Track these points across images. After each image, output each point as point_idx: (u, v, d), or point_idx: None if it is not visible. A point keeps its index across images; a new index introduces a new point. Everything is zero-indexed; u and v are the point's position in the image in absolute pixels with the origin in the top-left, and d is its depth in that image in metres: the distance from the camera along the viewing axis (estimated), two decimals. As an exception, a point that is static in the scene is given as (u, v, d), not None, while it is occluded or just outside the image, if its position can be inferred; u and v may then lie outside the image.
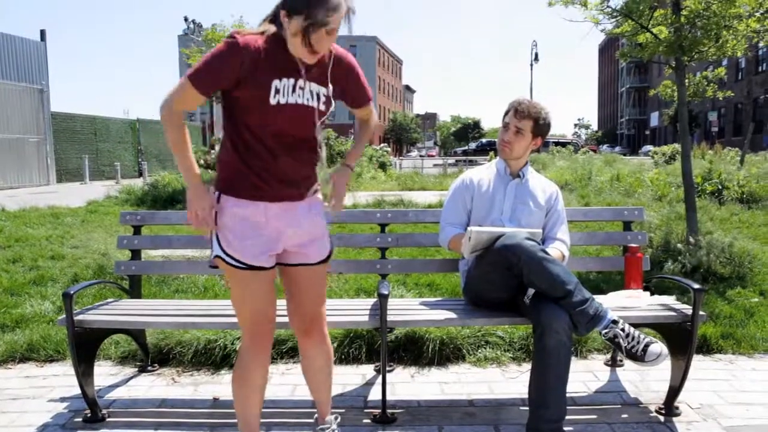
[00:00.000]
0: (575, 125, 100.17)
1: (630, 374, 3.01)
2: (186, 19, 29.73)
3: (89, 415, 2.53)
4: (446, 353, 3.18)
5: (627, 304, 2.56)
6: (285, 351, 3.21)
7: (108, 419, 2.55)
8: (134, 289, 3.04)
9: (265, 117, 1.82)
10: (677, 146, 17.08)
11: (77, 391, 2.53)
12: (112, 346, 3.28)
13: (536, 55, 32.94)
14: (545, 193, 2.78)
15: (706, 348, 3.28)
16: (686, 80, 5.29)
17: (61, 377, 3.01)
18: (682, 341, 2.46)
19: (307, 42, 1.74)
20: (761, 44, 5.83)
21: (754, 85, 32.98)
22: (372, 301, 2.84)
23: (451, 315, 2.52)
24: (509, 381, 2.94)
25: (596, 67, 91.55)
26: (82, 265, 5.01)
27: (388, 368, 2.92)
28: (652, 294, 2.75)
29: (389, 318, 2.46)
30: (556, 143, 31.83)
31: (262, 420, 2.48)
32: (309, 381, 2.18)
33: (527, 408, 2.26)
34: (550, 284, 2.22)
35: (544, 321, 2.19)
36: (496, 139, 2.81)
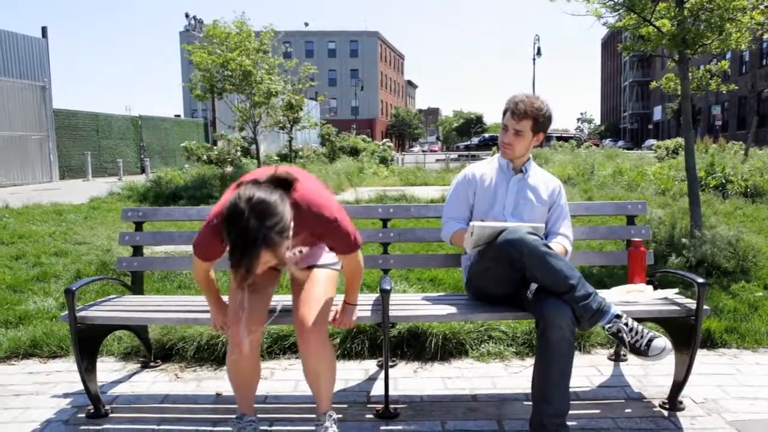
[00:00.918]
0: (578, 120, 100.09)
1: (633, 369, 3.00)
2: (187, 16, 29.68)
3: (92, 410, 2.54)
4: (449, 348, 3.17)
5: (630, 299, 2.55)
6: (287, 347, 3.21)
7: (111, 415, 2.55)
8: (136, 285, 3.04)
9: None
10: (680, 140, 17.03)
11: (80, 387, 2.53)
12: (114, 342, 3.28)
13: (539, 49, 32.70)
14: (548, 187, 2.75)
15: (710, 342, 3.26)
16: (689, 74, 5.26)
17: (64, 373, 3.01)
18: (686, 335, 2.45)
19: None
20: (765, 37, 5.79)
21: (759, 78, 32.78)
22: (374, 296, 2.83)
23: (454, 310, 2.52)
24: (512, 376, 2.94)
25: (599, 61, 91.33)
26: (84, 261, 5.02)
27: (390, 363, 2.92)
28: (656, 288, 2.74)
29: (392, 313, 2.45)
30: (559, 138, 31.78)
31: (264, 415, 2.49)
32: (305, 377, 2.22)
33: (530, 403, 2.26)
34: (552, 279, 2.20)
35: (547, 316, 2.18)
36: (498, 134, 2.79)
